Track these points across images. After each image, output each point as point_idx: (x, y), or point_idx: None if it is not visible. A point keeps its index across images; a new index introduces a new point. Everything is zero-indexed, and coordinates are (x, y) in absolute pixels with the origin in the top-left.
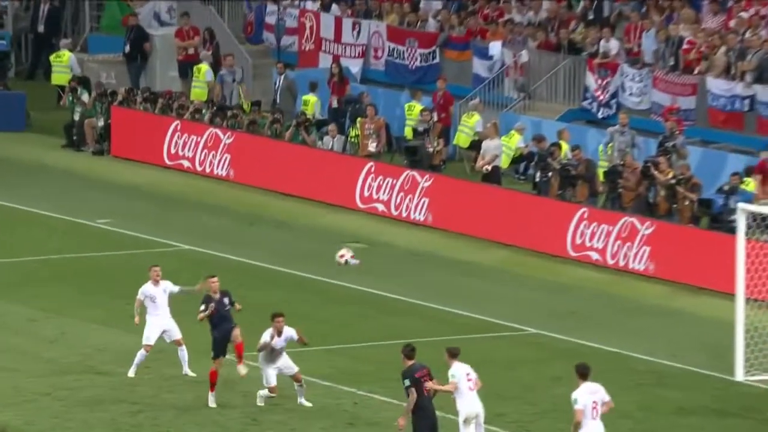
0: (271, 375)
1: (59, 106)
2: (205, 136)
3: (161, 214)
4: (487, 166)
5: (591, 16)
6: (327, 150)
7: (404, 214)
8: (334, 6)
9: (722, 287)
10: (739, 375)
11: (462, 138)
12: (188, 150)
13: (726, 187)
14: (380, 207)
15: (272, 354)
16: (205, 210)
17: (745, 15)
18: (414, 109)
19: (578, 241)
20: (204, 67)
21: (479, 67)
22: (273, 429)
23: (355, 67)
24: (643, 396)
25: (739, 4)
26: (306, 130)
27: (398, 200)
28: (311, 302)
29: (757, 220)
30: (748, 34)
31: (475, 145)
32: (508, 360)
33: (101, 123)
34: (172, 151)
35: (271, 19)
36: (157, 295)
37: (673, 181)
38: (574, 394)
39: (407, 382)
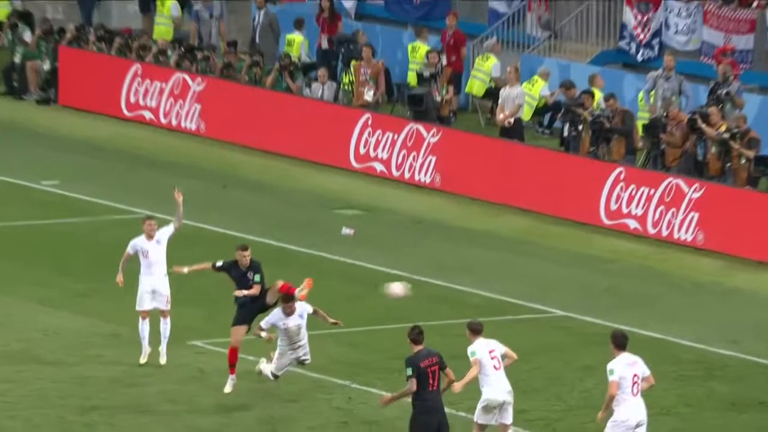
0: (284, 364)
1: None
2: (170, 83)
3: (119, 175)
4: (509, 120)
5: None
6: (315, 99)
7: (407, 175)
8: None
9: None
10: None
11: (476, 85)
12: (151, 99)
13: None
14: (379, 167)
15: (291, 337)
16: (171, 170)
17: None
18: (419, 51)
19: (613, 206)
20: (169, 0)
21: (496, 1)
22: (251, 430)
23: (348, 0)
24: (690, 389)
25: None
26: (290, 75)
27: (400, 159)
28: (296, 279)
29: None
30: None
31: (492, 94)
32: (530, 347)
33: (47, 66)
34: (132, 100)
35: None
36: (150, 249)
37: (726, 136)
38: (610, 365)
39: (409, 371)
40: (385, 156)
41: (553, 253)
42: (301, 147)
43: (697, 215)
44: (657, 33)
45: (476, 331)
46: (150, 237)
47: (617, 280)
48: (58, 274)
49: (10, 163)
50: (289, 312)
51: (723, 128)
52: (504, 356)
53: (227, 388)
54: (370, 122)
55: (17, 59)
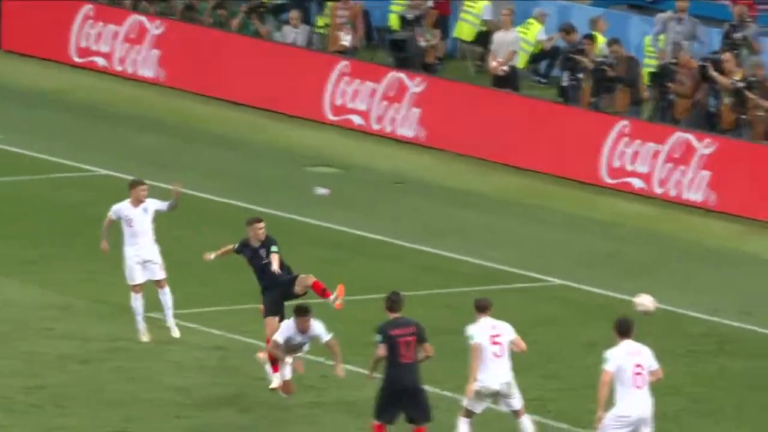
0: (284, 368)
1: None
2: (126, 26)
3: (69, 129)
4: (502, 68)
5: None
6: (287, 44)
7: (388, 129)
8: None
9: None
10: None
11: (465, 29)
12: (104, 44)
13: None
14: (357, 119)
15: (289, 347)
16: (127, 123)
17: None
18: None
19: (616, 163)
20: None
21: None
22: (215, 408)
23: None
24: (700, 366)
25: None
26: (259, 17)
27: (380, 110)
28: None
29: None
30: None
31: (483, 38)
32: (524, 320)
33: None
34: (83, 44)
35: None
36: (134, 217)
37: (741, 85)
38: (607, 353)
39: (378, 338)
40: (363, 107)
41: (549, 216)
42: (271, 97)
43: (708, 174)
44: None
45: (481, 308)
46: (138, 202)
47: (620, 246)
48: (3, 238)
49: None
50: (303, 329)
51: (738, 76)
52: (512, 343)
53: (273, 385)
54: (347, 70)
55: None
